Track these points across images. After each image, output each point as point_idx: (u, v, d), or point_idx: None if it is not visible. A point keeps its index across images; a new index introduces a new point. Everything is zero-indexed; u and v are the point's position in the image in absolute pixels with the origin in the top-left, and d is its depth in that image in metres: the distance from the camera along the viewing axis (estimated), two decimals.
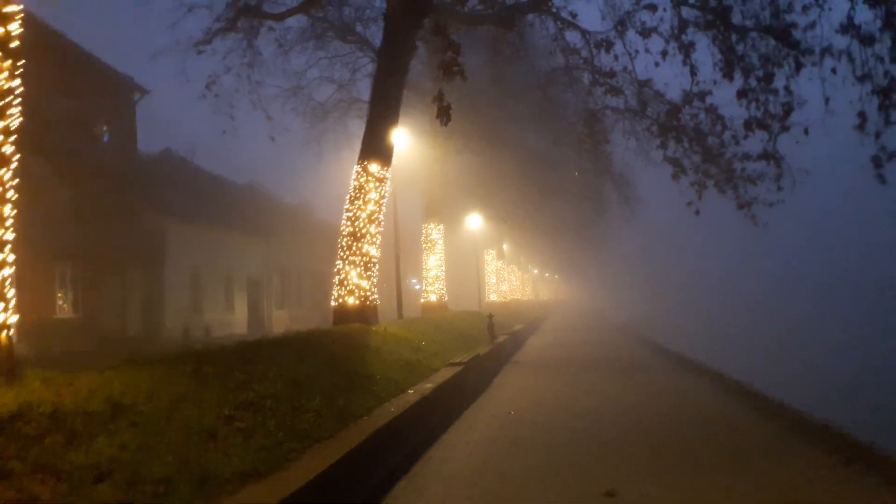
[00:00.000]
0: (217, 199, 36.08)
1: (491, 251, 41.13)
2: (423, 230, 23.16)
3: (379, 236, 13.72)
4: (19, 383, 4.51)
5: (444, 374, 10.69)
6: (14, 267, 4.88)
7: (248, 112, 19.15)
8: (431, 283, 22.79)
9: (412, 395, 8.66)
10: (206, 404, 5.63)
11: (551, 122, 24.59)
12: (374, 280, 13.51)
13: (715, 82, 13.38)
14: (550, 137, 25.38)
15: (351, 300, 13.15)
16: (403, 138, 20.05)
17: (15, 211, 4.96)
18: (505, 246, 44.96)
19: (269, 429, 5.68)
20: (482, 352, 14.48)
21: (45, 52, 22.19)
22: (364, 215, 13.41)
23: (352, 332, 11.56)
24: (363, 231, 13.37)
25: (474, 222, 33.86)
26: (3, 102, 4.70)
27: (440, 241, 23.14)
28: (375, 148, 13.67)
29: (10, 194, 4.78)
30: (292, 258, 40.69)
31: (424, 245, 23.00)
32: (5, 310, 4.60)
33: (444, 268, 23.21)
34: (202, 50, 16.48)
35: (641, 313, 57.02)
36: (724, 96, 14.01)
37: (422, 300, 22.87)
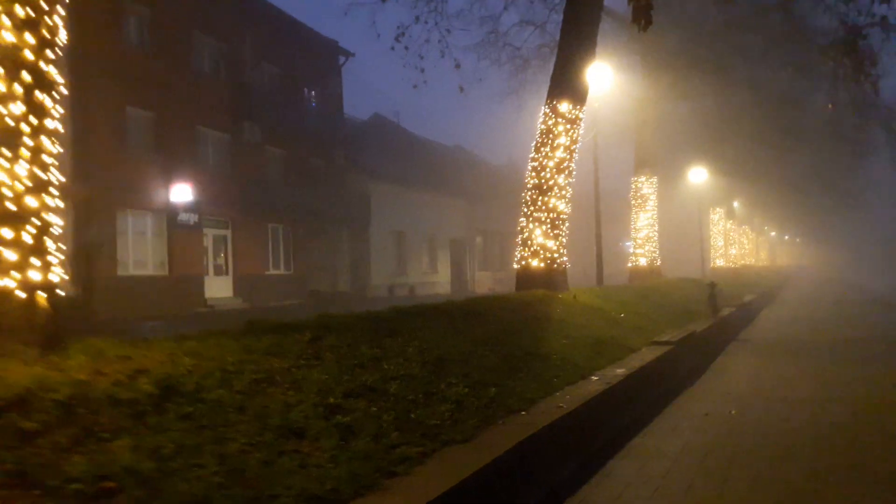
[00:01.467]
0: (423, 162, 36.47)
1: (718, 210, 36.24)
2: (632, 184, 20.51)
3: (569, 189, 11.80)
4: (59, 356, 3.60)
5: (645, 356, 8.59)
6: (57, 215, 3.95)
7: (449, 73, 18.06)
8: (641, 244, 20.14)
9: (595, 383, 6.80)
10: (307, 389, 4.43)
11: (794, 49, 20.14)
12: (563, 240, 11.68)
13: None
14: (792, 69, 20.80)
15: (535, 262, 11.51)
16: (607, 78, 17.57)
17: (60, 149, 3.97)
18: (735, 204, 39.43)
19: (383, 425, 4.31)
20: (699, 328, 11.91)
21: (255, 21, 23.64)
22: (551, 164, 11.57)
23: (532, 300, 9.93)
24: (550, 182, 11.56)
25: (697, 177, 29.82)
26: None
27: (652, 197, 20.30)
28: (566, 83, 11.69)
29: (54, 125, 3.83)
30: (496, 219, 40.02)
31: (634, 201, 20.35)
32: (44, 267, 3.73)
33: (656, 227, 20.37)
34: None
35: None
36: None
37: (629, 264, 20.36)
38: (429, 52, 17.72)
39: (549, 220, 11.55)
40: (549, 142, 11.62)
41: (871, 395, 8.58)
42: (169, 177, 19.77)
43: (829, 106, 20.32)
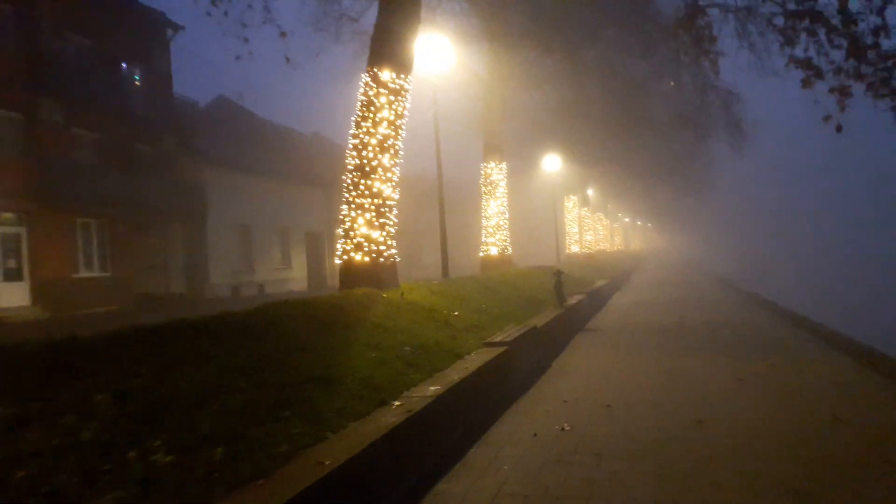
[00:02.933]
0: (275, 150, 33.79)
1: (573, 197, 36.71)
2: (481, 170, 19.51)
3: (397, 170, 10.32)
4: None
5: (470, 364, 7.26)
6: None
7: (294, 52, 16.10)
8: (492, 233, 19.23)
9: (394, 412, 5.30)
10: None
11: (640, 32, 20.01)
12: (391, 229, 10.18)
13: None
14: (641, 51, 20.72)
15: (359, 256, 9.93)
16: (452, 58, 16.33)
17: None
18: (589, 191, 40.30)
19: None
20: (540, 323, 10.88)
21: None
22: (374, 142, 10.03)
23: (346, 303, 8.32)
24: (373, 163, 10.01)
25: (552, 164, 29.67)
26: None
27: (502, 184, 19.44)
28: (388, 49, 10.16)
29: None
30: None
31: (484, 188, 19.39)
32: None
33: (507, 215, 19.54)
34: None
35: (750, 267, 50.73)
36: None
37: (480, 254, 19.40)
38: (252, 19, 15.67)
39: (373, 207, 10.01)
40: (371, 115, 10.07)
41: (724, 388, 7.92)
42: None
43: (671, 83, 20.43)
